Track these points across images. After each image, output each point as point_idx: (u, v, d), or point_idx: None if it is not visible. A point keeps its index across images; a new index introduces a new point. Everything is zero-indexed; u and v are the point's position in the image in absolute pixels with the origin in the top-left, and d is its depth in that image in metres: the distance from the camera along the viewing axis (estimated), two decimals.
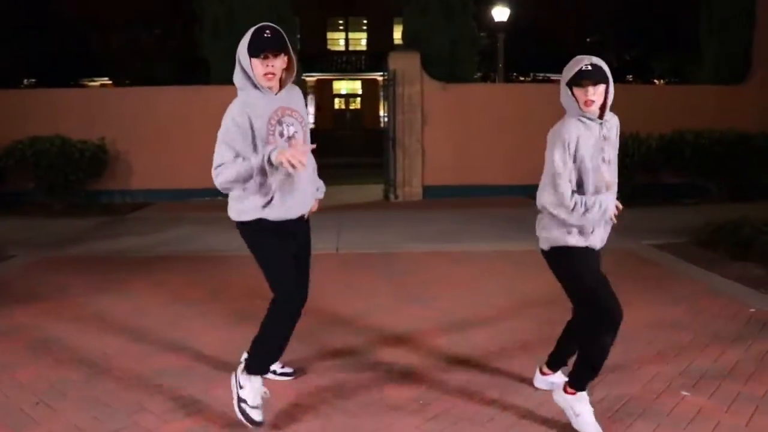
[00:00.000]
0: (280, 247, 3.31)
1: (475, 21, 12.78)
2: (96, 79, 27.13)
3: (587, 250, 3.14)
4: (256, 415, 3.18)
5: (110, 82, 23.79)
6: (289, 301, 3.28)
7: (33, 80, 23.58)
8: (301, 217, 3.41)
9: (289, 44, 3.18)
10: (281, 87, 3.25)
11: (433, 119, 11.46)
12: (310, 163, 3.37)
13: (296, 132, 3.23)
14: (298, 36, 13.54)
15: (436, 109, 11.44)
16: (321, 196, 3.65)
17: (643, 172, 10.83)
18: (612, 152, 3.11)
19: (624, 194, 10.61)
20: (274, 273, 3.30)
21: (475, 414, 3.34)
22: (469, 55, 12.30)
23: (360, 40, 32.07)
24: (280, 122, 3.18)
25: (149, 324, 4.81)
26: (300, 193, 3.30)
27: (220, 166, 3.10)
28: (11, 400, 3.54)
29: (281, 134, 3.18)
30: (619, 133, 3.20)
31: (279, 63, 3.16)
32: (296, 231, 3.41)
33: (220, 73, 11.44)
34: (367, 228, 8.84)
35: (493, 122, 11.60)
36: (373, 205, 11.16)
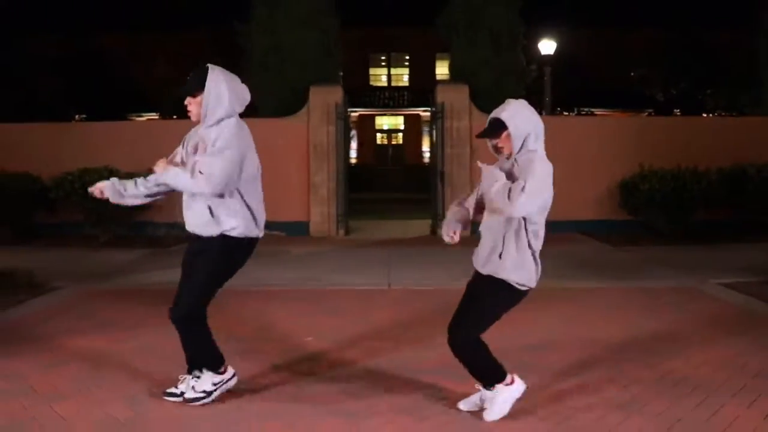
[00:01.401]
0: None
1: (523, 54, 12.60)
2: (143, 114, 27.72)
3: None
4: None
5: (157, 116, 24.19)
6: None
7: (83, 115, 24.16)
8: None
9: (204, 86, 3.53)
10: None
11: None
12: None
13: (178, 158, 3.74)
14: (341, 73, 13.41)
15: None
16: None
17: (701, 207, 10.37)
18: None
19: (682, 230, 10.13)
20: None
21: None
22: (518, 88, 12.08)
23: (402, 76, 32.14)
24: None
25: None
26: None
27: None
28: None
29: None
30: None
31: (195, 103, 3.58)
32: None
33: (267, 106, 11.46)
34: (418, 264, 8.58)
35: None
36: (421, 240, 10.90)
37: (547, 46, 17.54)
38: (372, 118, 31.41)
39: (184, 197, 3.68)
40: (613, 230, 10.81)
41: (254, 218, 3.66)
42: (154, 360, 4.62)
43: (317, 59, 11.71)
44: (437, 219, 11.31)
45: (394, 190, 23.53)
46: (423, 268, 8.23)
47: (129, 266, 8.56)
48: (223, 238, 3.59)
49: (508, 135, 3.33)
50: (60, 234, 10.90)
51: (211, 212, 3.55)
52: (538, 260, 3.42)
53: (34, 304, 6.34)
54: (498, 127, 3.36)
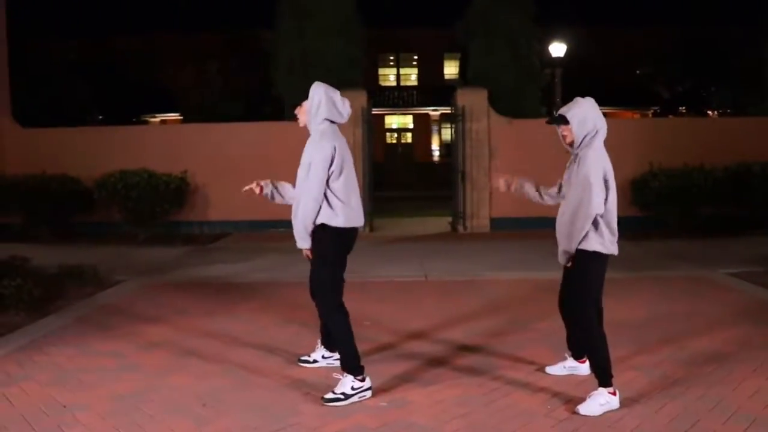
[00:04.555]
0: None
1: (538, 58, 13.23)
2: (157, 114, 28.27)
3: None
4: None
5: (179, 117, 24.73)
6: None
7: (100, 116, 24.67)
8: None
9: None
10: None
11: (500, 153, 11.83)
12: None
13: None
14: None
15: (502, 143, 11.81)
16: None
17: (708, 203, 10.97)
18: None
19: (690, 224, 10.60)
20: None
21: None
22: (533, 91, 12.72)
23: (410, 76, 32.76)
24: None
25: (273, 341, 5.22)
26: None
27: None
28: (179, 401, 4.00)
29: None
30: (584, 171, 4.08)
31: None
32: None
33: (294, 109, 12.05)
34: (446, 257, 9.21)
35: (557, 156, 11.83)
36: (443, 236, 11.52)
37: (557, 49, 18.15)
38: (381, 117, 32.00)
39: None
40: (625, 226, 11.24)
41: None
42: (241, 339, 5.28)
43: (343, 65, 12.35)
44: (458, 216, 11.94)
45: (405, 188, 24.00)
46: (451, 261, 8.86)
47: (176, 262, 9.15)
48: None
49: (570, 128, 4.05)
50: (98, 233, 11.38)
51: None
52: None
53: (109, 295, 6.98)
54: (561, 120, 4.07)
